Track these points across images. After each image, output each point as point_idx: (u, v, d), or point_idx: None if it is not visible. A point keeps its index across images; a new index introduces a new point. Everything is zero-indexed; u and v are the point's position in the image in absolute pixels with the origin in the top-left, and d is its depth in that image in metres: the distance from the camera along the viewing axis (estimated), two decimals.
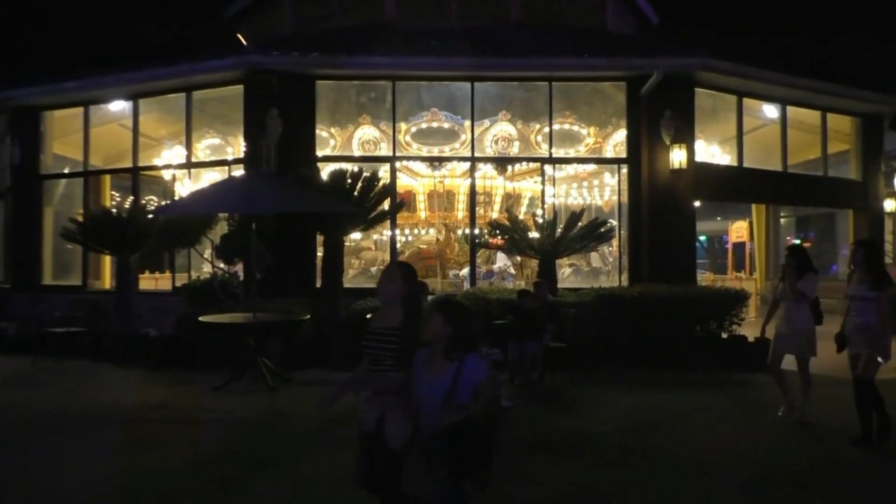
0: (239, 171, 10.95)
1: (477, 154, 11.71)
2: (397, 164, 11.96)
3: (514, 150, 12.40)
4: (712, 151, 12.99)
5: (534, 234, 10.24)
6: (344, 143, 12.50)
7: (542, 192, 11.96)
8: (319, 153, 11.42)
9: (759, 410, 6.71)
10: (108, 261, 12.57)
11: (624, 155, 11.56)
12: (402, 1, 13.48)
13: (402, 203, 12.06)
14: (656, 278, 10.32)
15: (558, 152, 12.05)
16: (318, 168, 10.55)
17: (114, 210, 11.47)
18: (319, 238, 9.94)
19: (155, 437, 5.96)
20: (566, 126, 12.33)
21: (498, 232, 10.38)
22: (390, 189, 10.62)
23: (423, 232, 14.70)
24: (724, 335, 9.38)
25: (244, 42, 14.67)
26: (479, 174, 12.51)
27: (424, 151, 12.49)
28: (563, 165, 13.12)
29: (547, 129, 11.68)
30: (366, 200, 9.35)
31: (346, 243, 11.19)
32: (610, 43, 12.77)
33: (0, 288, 13.08)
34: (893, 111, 13.74)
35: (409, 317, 3.33)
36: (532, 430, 6.13)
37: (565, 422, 6.45)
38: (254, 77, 10.63)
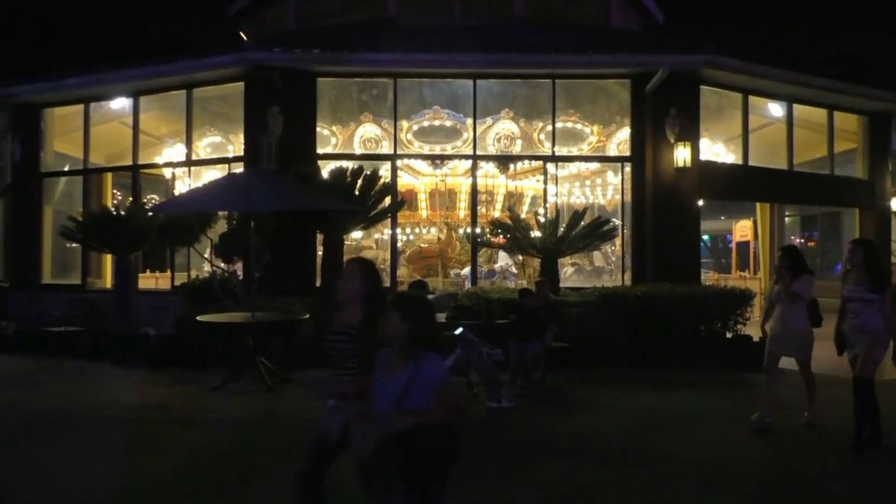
0: (240, 169, 10.89)
1: (479, 152, 11.64)
2: (399, 163, 11.90)
3: (517, 149, 12.28)
4: (717, 150, 12.86)
5: (536, 233, 10.19)
6: (345, 141, 12.43)
7: (545, 190, 11.90)
8: (320, 151, 11.37)
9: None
10: (108, 259, 12.52)
11: (627, 153, 11.46)
12: None
13: (403, 201, 11.98)
14: (660, 278, 10.23)
15: (561, 151, 11.95)
16: (318, 166, 10.48)
17: (113, 208, 11.42)
18: (319, 237, 9.89)
19: (153, 437, 5.94)
20: (569, 124, 12.24)
21: (500, 231, 10.31)
22: (391, 187, 10.55)
23: (424, 231, 14.65)
24: (729, 335, 9.31)
25: (246, 39, 14.61)
26: (481, 173, 12.44)
27: (426, 150, 12.40)
28: (566, 164, 13.03)
29: (550, 128, 11.59)
30: (366, 199, 9.29)
31: (347, 242, 11.13)
32: (614, 40, 12.67)
33: None
34: None
35: (367, 315, 3.18)
36: (533, 430, 6.09)
37: (567, 422, 6.41)
38: (255, 74, 10.57)
